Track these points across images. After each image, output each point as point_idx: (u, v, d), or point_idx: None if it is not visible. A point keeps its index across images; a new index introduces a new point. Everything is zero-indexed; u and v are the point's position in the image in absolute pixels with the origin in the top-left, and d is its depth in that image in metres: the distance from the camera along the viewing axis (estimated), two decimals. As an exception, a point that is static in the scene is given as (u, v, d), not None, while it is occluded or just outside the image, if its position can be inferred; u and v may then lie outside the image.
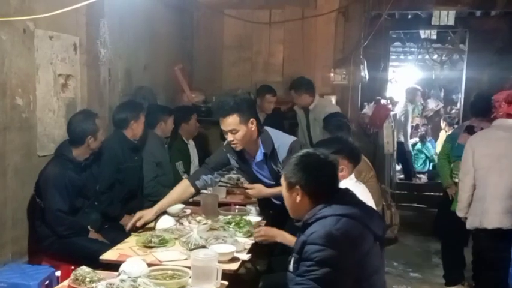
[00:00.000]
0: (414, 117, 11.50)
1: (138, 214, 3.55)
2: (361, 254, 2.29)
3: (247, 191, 3.84)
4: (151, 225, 3.59)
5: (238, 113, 3.44)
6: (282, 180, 2.53)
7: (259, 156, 3.64)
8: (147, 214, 3.55)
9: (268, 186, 3.70)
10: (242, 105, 3.47)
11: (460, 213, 4.23)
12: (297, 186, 2.42)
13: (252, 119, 3.50)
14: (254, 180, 3.81)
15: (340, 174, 3.09)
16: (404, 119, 9.40)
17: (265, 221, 3.82)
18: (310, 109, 5.76)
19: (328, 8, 6.67)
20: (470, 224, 4.14)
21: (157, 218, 3.63)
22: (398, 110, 9.21)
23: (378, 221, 2.49)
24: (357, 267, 2.26)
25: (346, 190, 2.56)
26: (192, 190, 3.75)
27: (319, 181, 2.42)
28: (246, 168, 3.80)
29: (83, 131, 3.80)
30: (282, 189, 2.54)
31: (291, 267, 2.43)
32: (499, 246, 3.87)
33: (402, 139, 9.09)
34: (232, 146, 3.56)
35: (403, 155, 9.13)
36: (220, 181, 4.38)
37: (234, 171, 5.27)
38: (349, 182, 3.11)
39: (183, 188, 3.75)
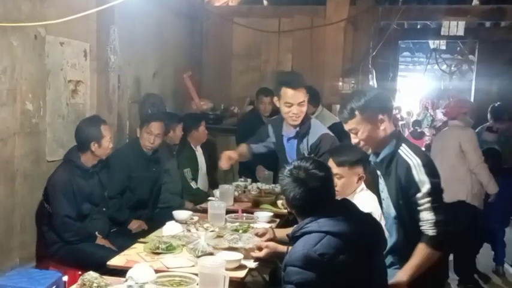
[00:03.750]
0: (423, 128, 11.48)
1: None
2: (343, 272, 2.16)
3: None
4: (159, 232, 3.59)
5: (306, 87, 3.78)
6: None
7: (292, 133, 3.84)
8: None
9: None
10: (305, 82, 3.88)
11: None
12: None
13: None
14: (282, 158, 3.99)
15: (358, 184, 3.15)
16: None
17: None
18: None
19: (337, 17, 6.67)
20: None
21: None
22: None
23: (372, 230, 2.36)
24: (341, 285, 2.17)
25: (344, 202, 2.46)
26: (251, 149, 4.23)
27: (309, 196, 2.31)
28: (279, 142, 4.01)
29: (86, 136, 3.78)
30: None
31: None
32: None
33: None
34: (295, 119, 3.77)
35: None
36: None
37: (242, 179, 5.28)
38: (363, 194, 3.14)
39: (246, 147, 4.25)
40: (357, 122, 2.56)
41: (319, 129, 3.83)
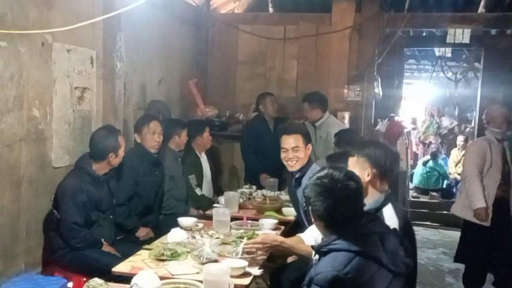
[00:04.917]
0: (428, 135, 11.45)
1: None
2: None
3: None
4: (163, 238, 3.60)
5: (302, 134, 3.87)
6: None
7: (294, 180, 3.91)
8: None
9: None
10: (305, 129, 4.05)
11: None
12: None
13: (309, 145, 3.90)
14: (294, 203, 4.10)
15: None
16: None
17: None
18: (316, 126, 5.72)
19: (342, 24, 6.68)
20: None
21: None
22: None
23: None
24: None
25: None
26: None
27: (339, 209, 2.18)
28: (290, 190, 4.13)
29: (105, 147, 3.80)
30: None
31: None
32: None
33: None
34: (290, 164, 3.83)
35: None
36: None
37: (247, 186, 5.29)
38: None
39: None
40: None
41: (315, 168, 3.67)
